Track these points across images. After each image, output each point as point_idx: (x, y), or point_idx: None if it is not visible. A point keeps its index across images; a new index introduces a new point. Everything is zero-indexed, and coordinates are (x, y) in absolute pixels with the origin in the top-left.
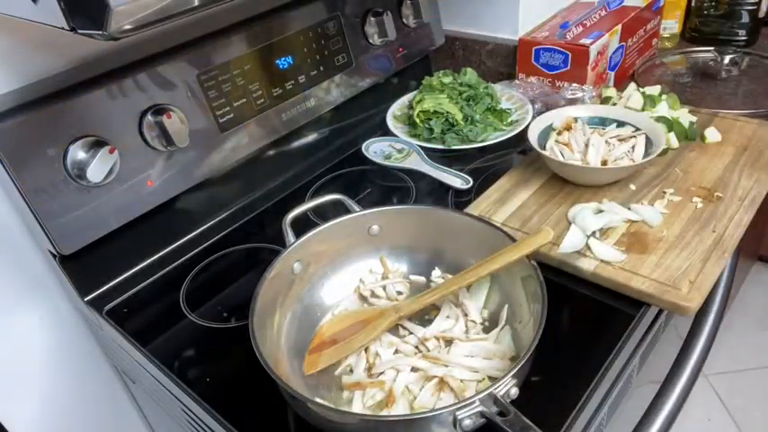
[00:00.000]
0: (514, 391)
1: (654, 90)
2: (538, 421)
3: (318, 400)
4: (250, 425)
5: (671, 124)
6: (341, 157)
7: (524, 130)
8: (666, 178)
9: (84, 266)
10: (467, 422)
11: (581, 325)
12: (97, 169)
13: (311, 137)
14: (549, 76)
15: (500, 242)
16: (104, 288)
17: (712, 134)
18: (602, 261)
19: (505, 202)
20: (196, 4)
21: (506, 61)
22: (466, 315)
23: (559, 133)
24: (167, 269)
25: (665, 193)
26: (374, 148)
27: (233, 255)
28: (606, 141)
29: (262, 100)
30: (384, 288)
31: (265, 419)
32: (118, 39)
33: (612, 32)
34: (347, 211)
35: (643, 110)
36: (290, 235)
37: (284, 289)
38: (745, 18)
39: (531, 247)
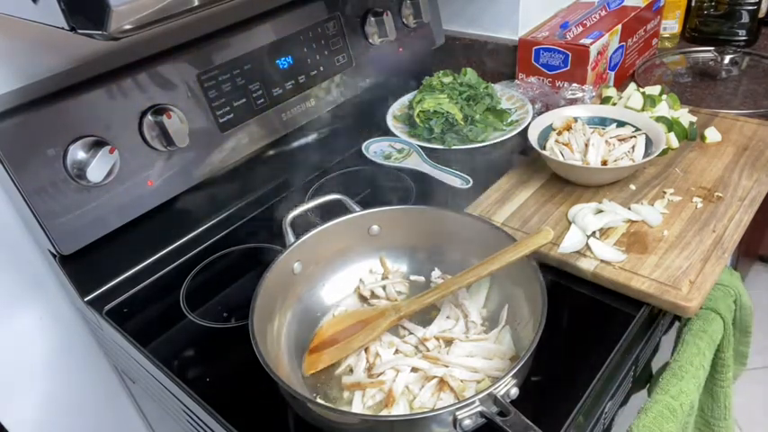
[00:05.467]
0: (514, 391)
1: (654, 90)
2: (538, 421)
3: (318, 400)
4: (250, 425)
5: (671, 124)
6: (341, 157)
7: (524, 130)
8: (666, 178)
9: (84, 266)
10: (467, 422)
11: (581, 325)
12: (97, 169)
13: (311, 137)
14: (549, 76)
15: (500, 242)
16: (104, 288)
17: (712, 134)
18: (602, 261)
19: (505, 202)
20: (196, 4)
21: (506, 61)
22: (466, 315)
23: (559, 133)
24: (167, 269)
25: (665, 193)
26: (374, 148)
27: (233, 255)
28: (606, 141)
29: (262, 100)
30: (384, 288)
31: (265, 419)
32: (118, 39)
33: (612, 32)
34: (347, 211)
35: (643, 110)
36: (290, 235)
37: (284, 289)
38: (745, 18)
39: (531, 247)
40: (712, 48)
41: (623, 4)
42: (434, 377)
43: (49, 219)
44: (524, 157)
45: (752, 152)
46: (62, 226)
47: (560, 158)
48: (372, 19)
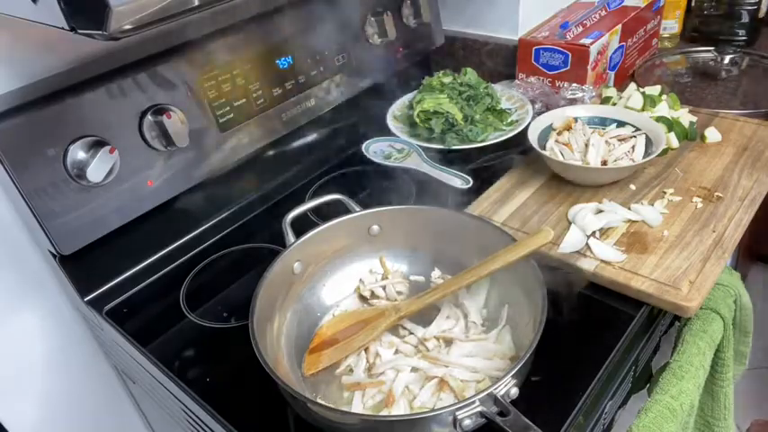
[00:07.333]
0: (514, 391)
1: (654, 90)
2: (538, 421)
3: (318, 400)
4: (250, 425)
5: (671, 124)
6: (341, 157)
7: (524, 130)
8: (666, 178)
9: (84, 266)
10: (467, 422)
11: (581, 325)
12: (97, 169)
13: (311, 137)
14: (549, 76)
15: (500, 242)
16: (104, 288)
17: (712, 134)
18: (602, 261)
19: (505, 202)
20: (196, 3)
21: (506, 61)
22: (466, 315)
23: (559, 133)
24: (167, 269)
25: (665, 193)
26: (374, 148)
27: (233, 255)
28: (606, 141)
29: (262, 100)
30: (384, 288)
31: (265, 419)
32: (118, 39)
33: (612, 32)
34: (347, 211)
35: (643, 110)
36: (290, 235)
37: (284, 289)
38: (745, 18)
39: (531, 247)
40: (712, 48)
41: (623, 4)
42: (434, 377)
43: (49, 219)
44: (524, 157)
45: (752, 152)
46: (62, 226)
47: (560, 158)
48: (372, 19)
